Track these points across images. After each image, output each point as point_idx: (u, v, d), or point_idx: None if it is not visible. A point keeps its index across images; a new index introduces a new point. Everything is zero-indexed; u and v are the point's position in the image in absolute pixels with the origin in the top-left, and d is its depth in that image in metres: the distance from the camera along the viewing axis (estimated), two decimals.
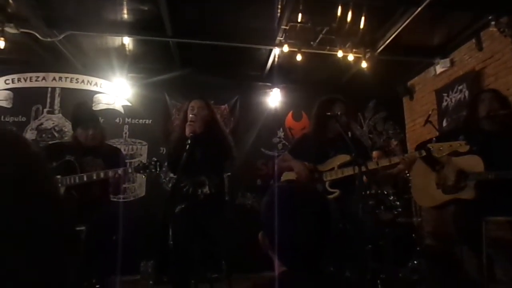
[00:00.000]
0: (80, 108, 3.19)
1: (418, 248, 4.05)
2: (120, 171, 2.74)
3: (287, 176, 3.08)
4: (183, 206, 2.85)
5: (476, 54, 4.40)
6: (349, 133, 2.72)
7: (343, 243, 2.58)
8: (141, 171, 2.73)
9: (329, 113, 2.79)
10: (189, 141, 2.78)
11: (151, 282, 4.40)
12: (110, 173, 2.72)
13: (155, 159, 2.80)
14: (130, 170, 2.81)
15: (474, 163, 2.81)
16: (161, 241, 4.22)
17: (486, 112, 2.83)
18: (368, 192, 3.81)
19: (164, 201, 3.10)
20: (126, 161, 5.21)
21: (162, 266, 4.39)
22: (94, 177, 2.74)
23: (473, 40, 4.41)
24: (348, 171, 2.81)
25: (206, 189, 2.90)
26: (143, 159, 5.32)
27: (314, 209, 1.17)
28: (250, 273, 4.44)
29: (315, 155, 2.94)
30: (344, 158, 2.84)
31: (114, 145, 5.21)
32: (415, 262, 3.94)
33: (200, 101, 3.04)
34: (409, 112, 5.90)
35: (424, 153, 2.73)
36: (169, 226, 3.05)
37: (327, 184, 2.90)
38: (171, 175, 2.92)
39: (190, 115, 2.88)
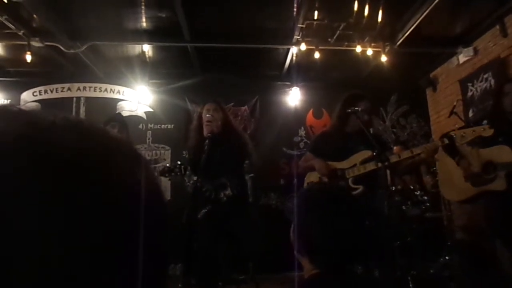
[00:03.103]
0: (113, 115, 3.30)
1: (448, 243, 3.95)
2: None
3: (310, 176, 3.07)
4: (206, 210, 2.88)
5: (501, 41, 4.24)
6: (371, 130, 2.67)
7: (370, 241, 2.55)
8: (166, 175, 2.78)
9: (349, 110, 2.76)
10: (207, 142, 2.82)
11: (180, 285, 4.46)
12: None
13: (179, 162, 2.85)
14: (155, 174, 2.85)
15: (503, 153, 2.72)
16: (188, 244, 4.29)
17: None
18: (393, 187, 3.74)
19: (187, 205, 3.13)
20: (151, 165, 5.33)
21: (190, 269, 4.44)
22: None
23: (497, 27, 4.25)
24: (371, 166, 2.77)
25: (228, 191, 2.92)
26: (167, 163, 5.41)
27: (346, 209, 1.15)
28: (275, 273, 4.45)
29: (337, 151, 2.91)
30: (365, 153, 2.81)
31: (139, 150, 5.41)
32: (447, 257, 3.85)
33: (214, 103, 3.10)
34: (432, 104, 5.76)
35: (446, 141, 2.66)
36: (193, 231, 3.09)
37: (350, 180, 2.86)
38: (194, 178, 2.95)
39: (207, 116, 2.93)
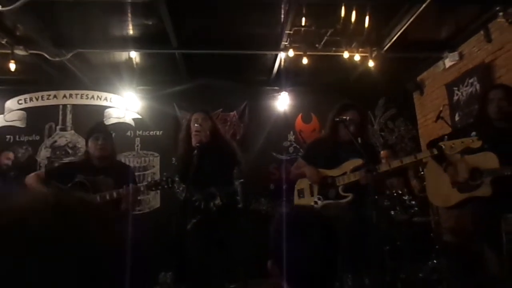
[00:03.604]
0: (96, 124, 3.27)
1: (437, 247, 3.99)
2: (132, 189, 2.77)
3: (301, 183, 3.08)
4: (196, 220, 2.87)
5: (485, 46, 4.31)
6: (359, 139, 2.69)
7: (359, 248, 2.57)
8: (153, 188, 2.76)
9: (337, 119, 2.78)
10: (195, 152, 2.81)
11: None
12: (123, 192, 2.75)
13: (166, 175, 2.83)
14: (142, 189, 2.83)
15: (488, 160, 2.76)
16: (178, 253, 4.26)
17: (497, 108, 2.79)
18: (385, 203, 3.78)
19: (176, 216, 3.12)
20: (140, 173, 5.29)
21: (181, 276, 4.41)
22: (108, 198, 2.77)
23: (482, 32, 4.32)
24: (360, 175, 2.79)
25: (218, 201, 2.92)
26: (156, 170, 5.39)
27: (320, 233, 1.17)
28: (267, 277, 4.45)
29: (328, 159, 2.94)
30: (356, 162, 2.83)
31: (127, 157, 5.36)
32: (435, 261, 3.89)
33: (202, 113, 3.10)
34: (420, 108, 5.82)
35: (436, 152, 2.70)
36: (183, 240, 3.07)
37: (340, 188, 2.88)
38: (183, 186, 2.96)
39: (195, 125, 2.93)
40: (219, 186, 2.92)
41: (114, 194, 2.79)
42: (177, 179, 3.03)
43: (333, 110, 3.00)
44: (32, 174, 3.07)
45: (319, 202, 2.92)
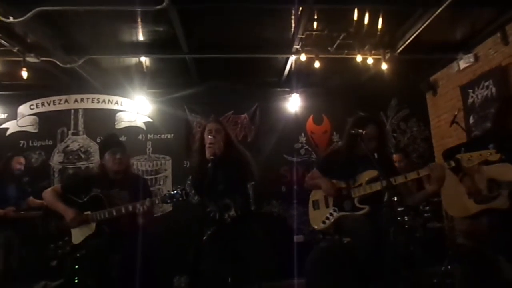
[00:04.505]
0: (109, 136, 3.29)
1: (450, 252, 3.97)
2: (147, 202, 2.78)
3: (315, 194, 3.07)
4: (210, 232, 2.87)
5: (502, 49, 4.22)
6: (375, 154, 2.65)
7: (376, 262, 2.55)
8: (168, 201, 2.77)
9: (352, 131, 2.74)
10: (210, 165, 2.80)
11: None
12: (138, 206, 2.77)
13: (181, 187, 2.83)
14: (157, 201, 2.85)
15: (506, 171, 2.72)
16: (193, 260, 4.29)
17: None
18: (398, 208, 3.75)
19: (190, 225, 3.15)
20: (152, 176, 5.32)
21: (196, 281, 4.45)
22: (123, 211, 2.79)
23: (498, 34, 4.23)
24: (376, 187, 2.76)
25: (233, 212, 2.91)
26: (168, 173, 5.41)
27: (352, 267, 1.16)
28: (277, 280, 4.49)
29: (344, 171, 2.91)
30: (371, 173, 2.80)
31: (139, 161, 5.39)
32: (449, 267, 3.87)
33: (216, 123, 3.07)
34: (433, 108, 5.75)
35: (453, 164, 2.65)
36: (199, 250, 3.09)
37: (356, 200, 2.86)
38: (196, 198, 2.99)
39: (209, 137, 2.90)
40: (233, 198, 2.92)
41: (130, 208, 2.81)
42: (191, 192, 3.05)
43: (350, 121, 2.95)
44: (49, 189, 3.11)
45: (335, 213, 2.91)
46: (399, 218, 3.91)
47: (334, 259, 1.09)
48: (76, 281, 3.08)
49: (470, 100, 4.75)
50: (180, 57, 4.71)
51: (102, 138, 5.38)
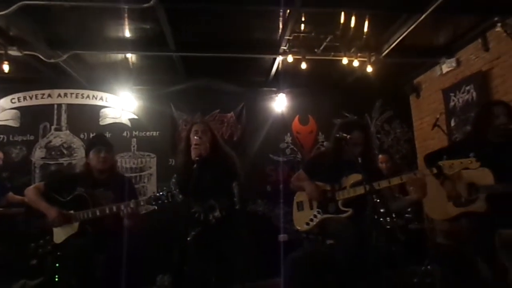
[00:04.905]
0: (96, 135, 3.24)
1: (430, 253, 4.07)
2: (132, 204, 2.77)
3: (300, 195, 3.11)
4: (195, 232, 2.88)
5: (483, 55, 4.33)
6: (359, 159, 2.70)
7: (359, 265, 2.60)
8: (153, 203, 2.76)
9: (337, 135, 2.79)
10: (195, 166, 2.80)
11: None
12: (123, 207, 2.75)
13: (166, 189, 2.82)
14: (142, 203, 2.83)
15: (484, 176, 2.80)
16: (177, 259, 4.29)
17: (496, 125, 2.82)
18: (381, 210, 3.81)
19: (174, 224, 3.14)
20: (136, 174, 5.28)
21: (179, 279, 4.45)
22: (107, 211, 2.77)
23: (479, 40, 4.34)
24: (360, 190, 2.81)
25: (217, 213, 2.93)
26: (153, 171, 5.38)
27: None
28: (262, 279, 4.53)
29: (330, 174, 2.95)
30: (356, 177, 2.84)
31: (124, 158, 5.34)
32: (428, 267, 3.97)
33: (202, 124, 3.08)
34: (416, 110, 5.86)
35: (435, 171, 2.73)
36: (183, 250, 3.09)
37: (339, 203, 2.91)
38: (180, 196, 2.99)
39: (195, 137, 2.90)
40: (218, 199, 2.93)
41: (114, 208, 2.79)
42: (176, 190, 3.04)
43: (336, 125, 3.00)
44: (31, 186, 3.05)
45: (319, 215, 2.95)
46: (381, 219, 3.98)
47: (312, 267, 1.11)
48: (56, 279, 3.04)
49: (452, 103, 4.86)
50: (167, 55, 4.68)
51: (86, 134, 5.31)
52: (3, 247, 4.10)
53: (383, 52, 4.58)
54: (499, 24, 3.89)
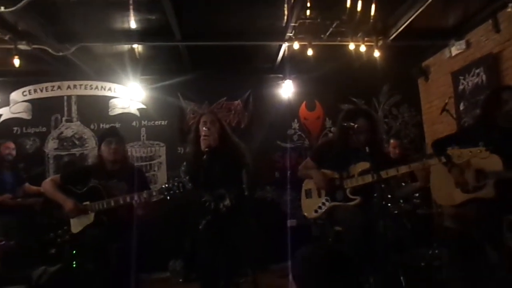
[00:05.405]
0: (107, 128, 3.30)
1: (438, 237, 4.10)
2: (145, 194, 2.85)
3: (308, 183, 3.16)
4: (206, 221, 2.95)
5: (493, 36, 4.25)
6: (367, 148, 2.72)
7: (367, 253, 2.65)
8: (166, 193, 2.82)
9: (345, 124, 2.80)
10: (205, 156, 2.85)
11: (180, 280, 4.61)
12: (136, 197, 2.83)
13: (177, 179, 2.88)
14: (154, 193, 2.91)
15: (493, 162, 2.80)
16: (188, 246, 4.41)
17: (505, 110, 2.80)
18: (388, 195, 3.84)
19: (185, 213, 3.23)
20: (146, 163, 5.37)
21: (191, 264, 4.57)
22: (121, 202, 2.86)
23: (490, 21, 4.25)
24: (368, 178, 2.84)
25: (227, 202, 2.99)
26: (162, 160, 5.46)
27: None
28: (271, 263, 4.64)
29: (337, 162, 2.98)
30: (364, 165, 2.87)
31: (133, 147, 5.42)
32: (436, 251, 4.01)
33: (211, 115, 3.12)
34: (424, 94, 5.81)
35: (444, 160, 2.74)
36: (194, 238, 3.18)
37: (347, 191, 2.95)
38: (189, 185, 3.06)
39: (204, 128, 2.94)
40: (228, 188, 2.99)
41: (128, 199, 2.87)
42: (186, 178, 3.10)
43: (342, 113, 3.01)
44: (48, 179, 3.17)
45: (327, 203, 3.00)
46: (389, 204, 4.02)
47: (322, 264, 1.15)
48: (74, 265, 3.17)
49: (461, 87, 4.81)
50: (173, 45, 4.69)
51: (96, 125, 5.39)
52: (23, 236, 4.25)
53: (391, 36, 4.52)
54: (510, 5, 3.80)
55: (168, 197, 2.79)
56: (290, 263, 4.18)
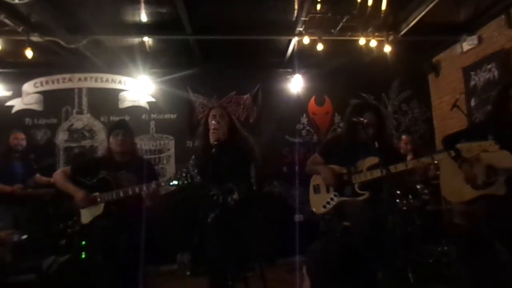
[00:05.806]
0: (117, 121, 3.32)
1: (447, 234, 4.08)
2: (154, 185, 2.88)
3: (316, 179, 3.15)
4: (214, 214, 2.97)
5: (506, 32, 4.19)
6: (376, 143, 2.70)
7: (376, 248, 2.65)
8: (174, 181, 2.85)
9: (354, 119, 2.79)
10: (214, 150, 2.86)
11: (188, 273, 4.66)
12: (144, 188, 2.86)
13: (186, 170, 2.90)
14: (163, 184, 2.94)
15: (503, 158, 2.77)
16: (196, 239, 4.43)
17: None
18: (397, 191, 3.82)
19: (194, 206, 3.25)
20: (155, 156, 5.41)
21: (198, 257, 4.61)
22: (130, 193, 2.89)
23: (503, 17, 4.19)
24: (377, 173, 2.84)
25: (236, 196, 3.00)
26: (171, 153, 5.50)
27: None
28: (279, 258, 4.66)
29: (345, 157, 2.97)
30: (372, 160, 2.86)
31: (143, 140, 5.46)
32: (445, 248, 3.99)
33: (220, 109, 3.11)
34: (435, 90, 5.75)
35: (453, 154, 2.72)
36: (203, 231, 3.20)
37: (356, 186, 2.94)
38: (198, 178, 3.07)
39: (213, 122, 2.94)
40: (236, 182, 3.00)
41: (137, 189, 2.91)
42: (194, 171, 3.12)
43: (350, 108, 2.99)
44: (59, 170, 3.21)
45: (335, 198, 3.00)
46: (397, 200, 4.00)
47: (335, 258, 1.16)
48: (83, 256, 3.21)
49: (472, 82, 4.76)
50: (183, 38, 4.70)
51: (106, 117, 5.45)
52: (34, 226, 4.32)
53: (402, 31, 4.49)
54: None
55: (177, 184, 2.81)
56: (297, 258, 4.21)
